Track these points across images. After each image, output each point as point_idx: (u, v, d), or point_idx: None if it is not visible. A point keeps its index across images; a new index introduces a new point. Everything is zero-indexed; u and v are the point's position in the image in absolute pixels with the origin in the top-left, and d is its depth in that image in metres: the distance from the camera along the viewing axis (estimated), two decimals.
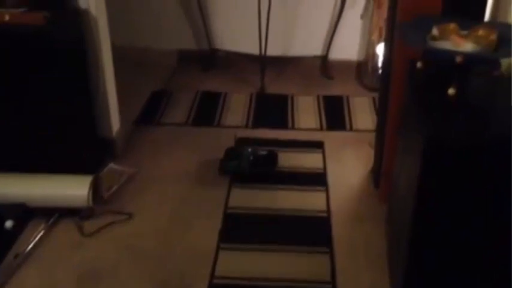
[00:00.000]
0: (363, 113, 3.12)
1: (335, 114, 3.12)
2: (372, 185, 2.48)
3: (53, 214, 2.27)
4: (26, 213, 2.20)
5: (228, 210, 2.36)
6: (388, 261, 2.04)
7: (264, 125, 3.01)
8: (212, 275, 2.01)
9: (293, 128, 3.00)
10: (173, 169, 2.62)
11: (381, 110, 2.38)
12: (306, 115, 3.11)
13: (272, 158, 2.67)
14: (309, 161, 2.71)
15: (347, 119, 3.07)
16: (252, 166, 2.57)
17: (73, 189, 2.27)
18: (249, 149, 2.65)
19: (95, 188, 2.31)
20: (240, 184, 2.52)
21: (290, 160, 2.69)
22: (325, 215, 2.32)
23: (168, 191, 2.47)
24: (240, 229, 2.26)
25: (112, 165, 2.58)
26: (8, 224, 2.11)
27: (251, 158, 2.58)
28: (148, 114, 3.10)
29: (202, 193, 2.47)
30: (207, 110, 3.16)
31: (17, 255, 2.07)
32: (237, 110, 3.16)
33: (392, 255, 2.00)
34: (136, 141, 2.82)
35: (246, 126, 3.01)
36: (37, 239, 2.16)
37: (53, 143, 2.37)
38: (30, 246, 2.12)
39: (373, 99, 3.21)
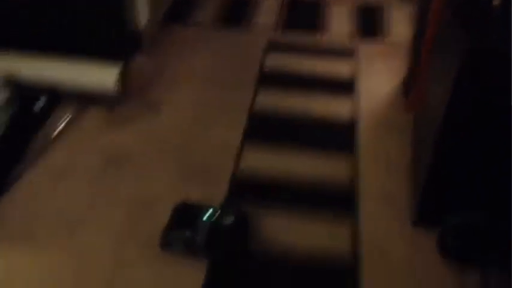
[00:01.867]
0: (399, 24, 3.01)
1: (369, 24, 3.03)
2: (401, 96, 2.45)
3: (82, 100, 2.32)
4: (55, 97, 2.24)
5: (254, 111, 2.37)
6: (410, 170, 2.05)
7: (294, 30, 2.94)
8: (235, 169, 2.06)
9: (325, 34, 2.92)
10: (200, 69, 2.60)
11: (418, 21, 2.30)
12: (339, 23, 3.02)
13: (242, 229, 1.78)
14: (339, 68, 2.66)
15: (382, 29, 2.98)
16: (211, 242, 1.70)
17: (101, 77, 2.28)
18: (209, 211, 1.75)
19: (123, 79, 2.32)
20: (266, 87, 2.50)
21: (320, 66, 2.64)
22: (351, 121, 2.32)
23: (194, 90, 2.48)
24: (264, 129, 2.28)
25: (139, 59, 2.56)
26: (38, 105, 2.17)
27: (210, 228, 1.70)
28: (178, 12, 3.04)
29: (228, 94, 2.46)
30: (238, 12, 3.09)
31: (47, 137, 2.15)
32: (268, 13, 3.07)
33: (415, 165, 2.00)
34: (164, 38, 2.79)
35: (276, 30, 2.94)
36: (66, 123, 2.22)
37: (83, 31, 2.33)
38: (59, 129, 2.19)
39: (410, 10, 3.07)
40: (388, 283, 1.65)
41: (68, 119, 2.23)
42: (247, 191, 1.97)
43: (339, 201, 1.94)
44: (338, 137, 2.24)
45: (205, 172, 2.04)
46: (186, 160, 2.09)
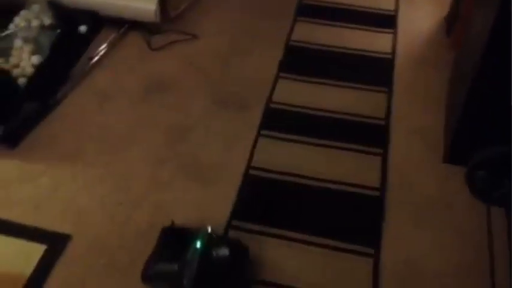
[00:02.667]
0: None
1: None
2: (443, 32, 2.40)
3: (123, 25, 2.36)
4: (98, 21, 2.27)
5: (290, 42, 2.36)
6: (446, 107, 2.04)
7: None
8: (269, 100, 2.08)
9: None
10: None
11: None
12: None
13: (238, 264, 1.48)
14: (380, 1, 2.61)
15: None
16: (200, 282, 1.40)
17: (143, 4, 2.29)
18: (199, 242, 1.43)
19: (163, 5, 2.33)
20: (305, 18, 2.47)
21: None
22: (389, 56, 2.30)
23: (233, 18, 2.49)
24: (300, 61, 2.28)
25: None
26: (82, 28, 2.20)
27: (200, 263, 1.39)
28: None
29: (266, 23, 2.46)
30: None
31: (90, 59, 2.20)
32: None
33: (451, 101, 2.00)
34: None
35: None
36: (108, 46, 2.27)
37: None
38: (102, 52, 2.24)
39: None
40: (414, 216, 1.68)
41: (111, 42, 2.28)
42: (279, 120, 2.00)
43: (372, 133, 1.96)
44: (375, 71, 2.23)
45: (240, 100, 2.08)
46: (220, 88, 2.13)
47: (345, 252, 1.58)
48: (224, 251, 1.43)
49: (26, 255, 1.54)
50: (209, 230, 1.48)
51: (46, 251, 1.54)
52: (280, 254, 1.57)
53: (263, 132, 1.95)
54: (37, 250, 1.54)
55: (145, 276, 1.46)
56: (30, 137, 1.91)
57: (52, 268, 1.51)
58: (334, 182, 1.77)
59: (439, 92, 2.11)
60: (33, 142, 1.90)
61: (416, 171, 1.82)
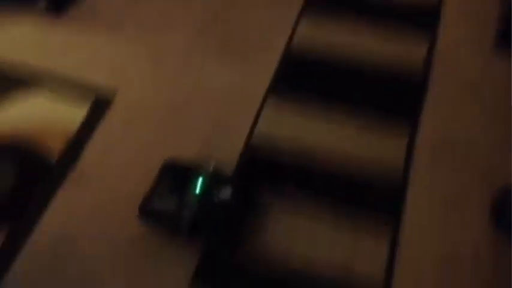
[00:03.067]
0: None
1: None
2: None
3: None
4: None
5: None
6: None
7: None
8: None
9: None
10: None
11: None
12: None
13: (241, 207, 1.35)
14: None
15: None
16: (198, 223, 1.30)
17: None
18: (199, 183, 1.32)
19: None
20: None
21: None
22: None
23: None
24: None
25: None
26: None
27: (199, 209, 1.29)
28: None
29: None
30: None
31: None
32: None
33: None
34: None
35: None
36: None
37: None
38: None
39: None
40: (454, 100, 1.66)
41: None
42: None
43: (422, 17, 1.88)
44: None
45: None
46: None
47: (380, 128, 1.60)
48: (226, 194, 1.29)
49: (73, 112, 1.64)
50: (211, 168, 1.35)
51: (90, 109, 1.64)
52: (317, 129, 1.61)
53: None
54: (82, 108, 1.64)
55: (143, 211, 1.36)
56: (73, 8, 1.96)
57: (96, 126, 1.61)
58: (376, 64, 1.75)
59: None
60: (76, 13, 1.95)
61: (464, 54, 1.77)
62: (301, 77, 1.75)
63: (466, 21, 1.88)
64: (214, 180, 1.32)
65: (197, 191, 1.29)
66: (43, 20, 1.93)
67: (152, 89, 1.72)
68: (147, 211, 1.34)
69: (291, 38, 1.84)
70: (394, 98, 1.69)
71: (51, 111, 1.66)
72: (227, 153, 1.56)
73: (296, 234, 1.41)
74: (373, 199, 1.47)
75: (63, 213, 1.47)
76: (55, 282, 1.36)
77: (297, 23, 1.89)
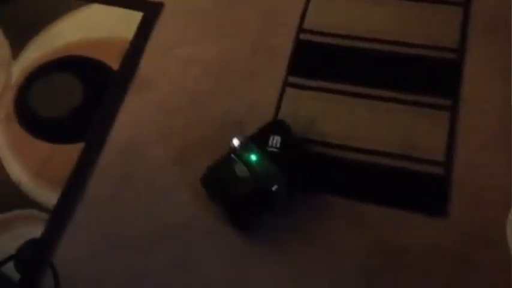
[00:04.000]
0: None
1: None
2: None
3: None
4: None
5: None
6: None
7: None
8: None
9: None
10: None
11: None
12: None
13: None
14: None
15: None
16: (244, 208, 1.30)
17: None
18: (254, 153, 1.29)
19: None
20: None
21: None
22: None
23: None
24: None
25: None
26: None
27: (254, 193, 1.26)
28: None
29: None
30: None
31: None
32: None
33: None
34: None
35: None
36: None
37: None
38: None
39: None
40: None
41: None
42: None
43: None
44: None
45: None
46: None
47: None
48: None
49: (126, 21, 1.67)
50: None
51: (143, 17, 1.66)
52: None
53: None
54: (135, 17, 1.67)
55: (204, 180, 1.34)
56: None
57: (150, 32, 1.64)
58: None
59: None
60: None
61: None
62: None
63: None
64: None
65: (255, 177, 1.26)
66: None
67: None
68: (208, 179, 1.33)
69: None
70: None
71: (105, 23, 1.69)
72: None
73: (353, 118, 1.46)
74: (428, 77, 1.47)
75: (130, 122, 1.53)
76: (128, 190, 1.44)
77: None
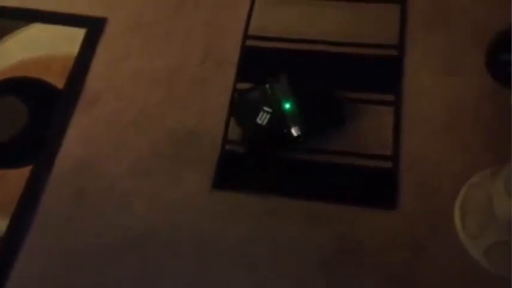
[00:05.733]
0: None
1: None
2: None
3: None
4: None
5: None
6: None
7: None
8: None
9: None
10: None
11: None
12: None
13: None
14: None
15: None
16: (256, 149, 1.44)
17: None
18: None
19: None
20: None
21: None
22: None
23: None
24: None
25: None
26: None
27: (269, 117, 1.37)
28: None
29: None
30: None
31: None
32: None
33: None
34: None
35: None
36: None
37: None
38: None
39: None
40: None
41: None
42: None
43: None
44: None
45: None
46: None
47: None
48: (298, 131, 1.35)
49: (70, 38, 1.66)
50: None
51: (87, 32, 1.65)
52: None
53: None
54: (78, 33, 1.66)
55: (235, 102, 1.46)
56: None
57: (95, 48, 1.64)
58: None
59: None
60: None
61: None
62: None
63: None
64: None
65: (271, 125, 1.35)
66: None
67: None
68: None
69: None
70: None
71: (48, 41, 1.67)
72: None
73: None
74: (371, 74, 1.52)
75: (80, 139, 1.52)
76: (83, 207, 1.43)
77: None
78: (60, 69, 1.61)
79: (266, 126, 1.34)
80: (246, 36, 1.62)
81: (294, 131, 1.35)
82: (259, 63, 1.58)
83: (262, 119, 1.35)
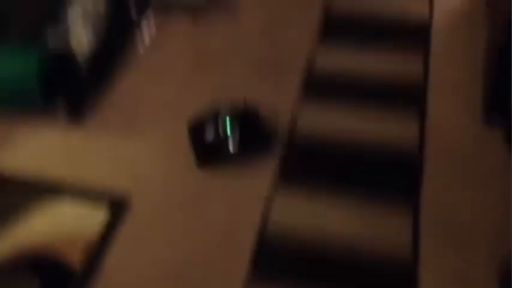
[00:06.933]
0: None
1: None
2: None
3: (169, 7, 2.51)
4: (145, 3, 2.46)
5: (327, 11, 2.44)
6: (483, 70, 2.06)
7: None
8: (309, 66, 2.19)
9: None
10: None
11: None
12: None
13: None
14: None
15: None
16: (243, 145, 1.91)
17: None
18: (228, 117, 1.90)
19: None
20: None
21: None
22: (427, 21, 2.33)
23: None
24: (339, 28, 2.35)
25: None
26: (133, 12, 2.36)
27: (241, 130, 1.89)
28: None
29: None
30: None
31: (141, 43, 2.38)
32: None
33: (487, 66, 2.01)
34: None
35: None
36: (155, 28, 2.44)
37: None
38: (151, 34, 2.41)
39: None
40: (451, 176, 1.77)
41: (156, 24, 2.44)
42: (320, 88, 2.12)
43: (409, 96, 2.03)
44: (413, 36, 2.28)
45: (277, 67, 2.20)
46: (262, 56, 2.26)
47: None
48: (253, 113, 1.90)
49: (92, 218, 1.72)
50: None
51: (110, 215, 1.72)
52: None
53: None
54: (101, 215, 1.72)
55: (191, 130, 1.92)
56: (90, 109, 2.11)
57: (116, 228, 1.70)
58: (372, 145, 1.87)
59: (477, 56, 2.12)
60: (93, 114, 2.09)
61: (454, 131, 1.89)
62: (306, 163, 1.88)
63: (453, 99, 2.00)
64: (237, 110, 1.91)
65: (232, 122, 1.85)
66: (62, 128, 2.05)
67: (167, 189, 1.83)
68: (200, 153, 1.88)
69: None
70: (392, 177, 1.79)
71: (70, 220, 1.73)
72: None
73: None
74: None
75: None
76: None
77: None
78: (80, 249, 1.65)
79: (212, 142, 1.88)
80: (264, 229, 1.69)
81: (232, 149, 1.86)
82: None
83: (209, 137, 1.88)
